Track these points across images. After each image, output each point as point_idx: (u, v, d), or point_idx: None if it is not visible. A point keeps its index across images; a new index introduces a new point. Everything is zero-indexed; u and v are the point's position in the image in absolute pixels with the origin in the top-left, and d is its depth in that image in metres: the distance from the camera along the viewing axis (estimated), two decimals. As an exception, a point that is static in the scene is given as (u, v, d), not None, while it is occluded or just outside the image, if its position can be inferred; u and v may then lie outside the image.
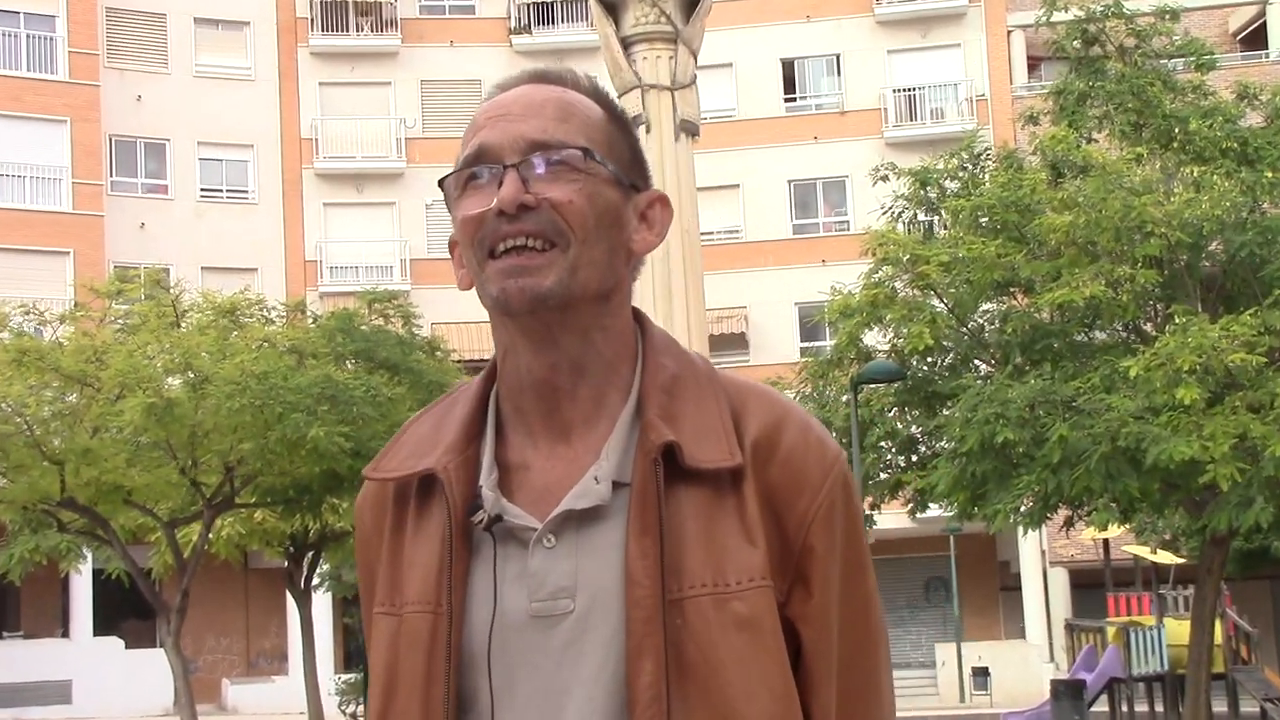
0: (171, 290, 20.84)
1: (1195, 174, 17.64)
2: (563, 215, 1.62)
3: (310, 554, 23.20)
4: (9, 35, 37.24)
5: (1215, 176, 17.36)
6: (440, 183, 1.71)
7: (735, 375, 1.72)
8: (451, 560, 1.62)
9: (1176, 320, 16.12)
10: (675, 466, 1.60)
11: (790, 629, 1.63)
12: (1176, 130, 18.65)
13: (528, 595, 1.60)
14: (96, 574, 30.84)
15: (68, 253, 35.95)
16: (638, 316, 1.72)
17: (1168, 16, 20.32)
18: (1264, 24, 40.14)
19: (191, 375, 17.96)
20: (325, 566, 25.69)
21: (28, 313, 19.63)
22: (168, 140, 38.68)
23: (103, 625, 34.77)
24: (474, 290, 1.68)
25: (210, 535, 20.38)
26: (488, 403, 1.71)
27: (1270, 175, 17.61)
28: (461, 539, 1.63)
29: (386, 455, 1.73)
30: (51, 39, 37.46)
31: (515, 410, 1.69)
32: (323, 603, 31.99)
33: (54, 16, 37.47)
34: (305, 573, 23.45)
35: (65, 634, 35.53)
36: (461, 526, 1.63)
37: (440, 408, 1.75)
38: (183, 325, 19.59)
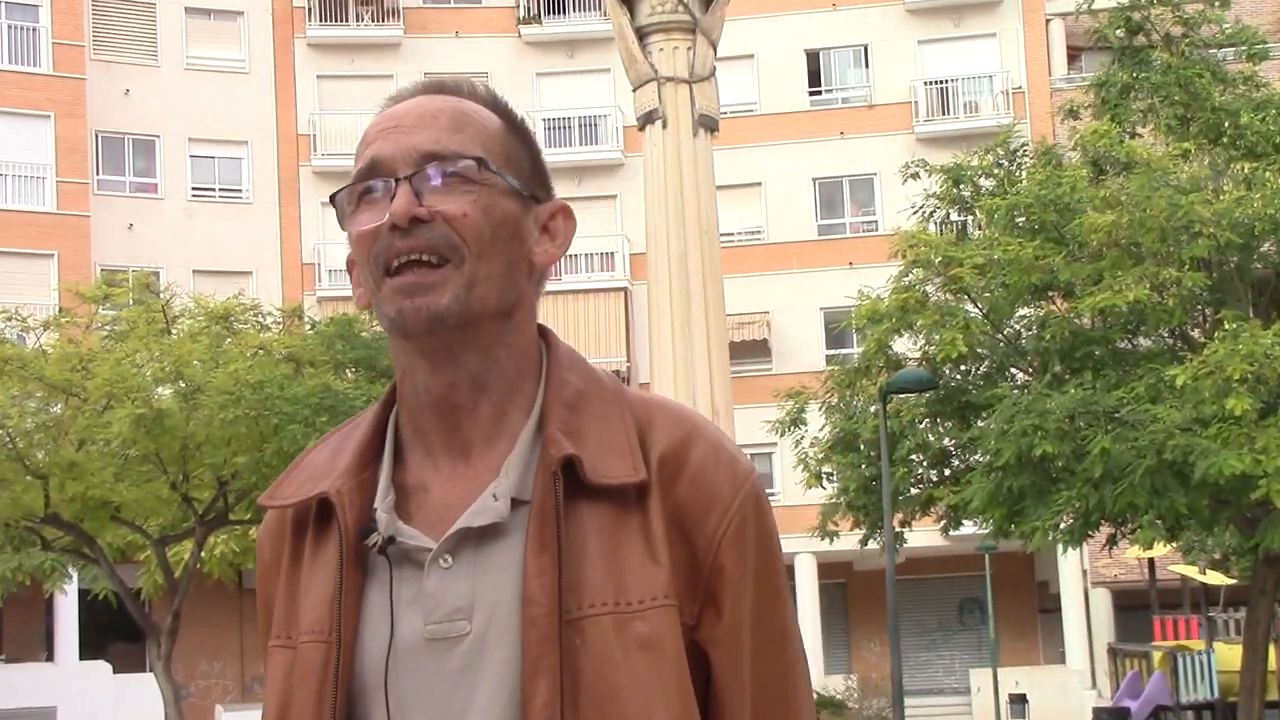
0: (161, 295, 20.93)
1: (1246, 170, 17.61)
2: (456, 229, 1.65)
3: (308, 573, 23.22)
4: (-9, 26, 37.49)
5: (1268, 173, 17.32)
6: (332, 198, 1.75)
7: (645, 393, 1.76)
8: (342, 586, 1.66)
9: (1226, 326, 16.09)
10: (577, 482, 1.63)
11: (701, 654, 1.65)
12: (1226, 124, 18.63)
13: (423, 618, 1.63)
14: (83, 594, 30.93)
15: (52, 255, 36.09)
16: (544, 333, 1.76)
17: (1217, 3, 20.31)
18: (1321, 10, 40.05)
19: (183, 385, 18.03)
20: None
21: (10, 318, 19.73)
22: (157, 136, 38.84)
23: (89, 648, 34.85)
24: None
25: (203, 553, 20.45)
26: (387, 426, 1.75)
27: (1326, 172, 17.58)
28: (354, 564, 1.66)
29: (283, 482, 1.76)
30: (35, 29, 37.64)
31: (415, 431, 1.72)
32: (321, 625, 32.00)
33: (38, 6, 37.67)
34: (302, 593, 23.48)
35: (50, 658, 35.62)
36: (354, 550, 1.66)
37: (341, 434, 1.79)
38: (173, 332, 19.67)
